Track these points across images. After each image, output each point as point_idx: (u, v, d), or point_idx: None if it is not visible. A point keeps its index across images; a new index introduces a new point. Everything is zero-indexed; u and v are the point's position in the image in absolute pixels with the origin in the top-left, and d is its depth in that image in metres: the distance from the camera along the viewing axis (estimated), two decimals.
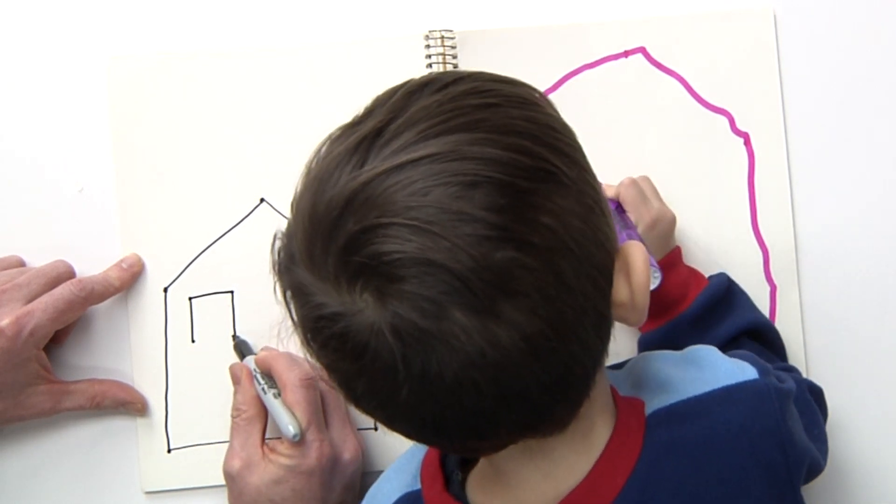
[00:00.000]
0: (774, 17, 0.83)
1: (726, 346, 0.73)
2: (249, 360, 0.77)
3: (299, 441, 0.72)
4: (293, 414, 0.73)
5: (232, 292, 0.81)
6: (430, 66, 0.81)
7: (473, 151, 0.49)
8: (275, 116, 0.81)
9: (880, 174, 0.83)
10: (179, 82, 0.81)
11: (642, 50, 0.83)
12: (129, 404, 0.79)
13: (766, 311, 0.81)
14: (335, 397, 0.76)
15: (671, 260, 0.77)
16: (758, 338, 0.77)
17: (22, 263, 0.80)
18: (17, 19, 0.82)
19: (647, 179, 0.79)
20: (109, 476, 0.80)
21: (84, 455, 0.80)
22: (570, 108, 0.81)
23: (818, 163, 0.82)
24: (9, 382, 0.73)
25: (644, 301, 0.55)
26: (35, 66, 0.82)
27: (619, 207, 0.77)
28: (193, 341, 0.80)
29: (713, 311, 0.76)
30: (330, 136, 0.55)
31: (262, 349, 0.78)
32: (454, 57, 0.82)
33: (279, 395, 0.74)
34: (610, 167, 0.82)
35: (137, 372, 0.80)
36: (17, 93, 0.82)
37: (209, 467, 0.78)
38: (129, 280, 0.80)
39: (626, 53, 0.83)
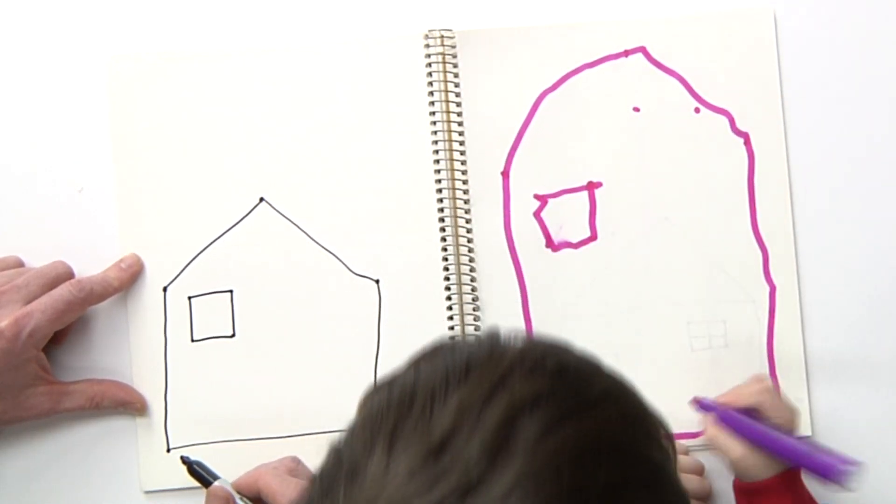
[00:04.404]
0: (774, 17, 0.83)
1: None
2: (224, 484, 0.74)
3: None
4: None
5: (231, 291, 0.81)
6: (429, 65, 0.81)
7: None
8: (274, 116, 0.81)
9: (880, 174, 0.82)
10: (179, 82, 0.81)
11: (642, 49, 0.83)
12: (129, 404, 0.79)
13: (765, 312, 0.81)
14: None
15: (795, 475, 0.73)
16: None
17: (21, 264, 0.79)
18: (17, 18, 0.82)
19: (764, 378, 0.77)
20: (109, 476, 0.80)
21: (84, 455, 0.80)
22: (570, 107, 0.83)
23: (818, 163, 0.82)
24: (8, 384, 0.73)
25: None
26: (35, 66, 0.82)
27: (753, 414, 0.73)
28: (193, 341, 0.80)
29: None
30: (390, 431, 0.44)
31: (240, 478, 0.74)
32: (454, 57, 0.82)
33: None
34: (609, 167, 0.82)
35: (137, 372, 0.80)
36: (17, 92, 0.82)
37: (209, 467, 0.77)
38: (128, 280, 0.79)
39: (627, 53, 0.83)
